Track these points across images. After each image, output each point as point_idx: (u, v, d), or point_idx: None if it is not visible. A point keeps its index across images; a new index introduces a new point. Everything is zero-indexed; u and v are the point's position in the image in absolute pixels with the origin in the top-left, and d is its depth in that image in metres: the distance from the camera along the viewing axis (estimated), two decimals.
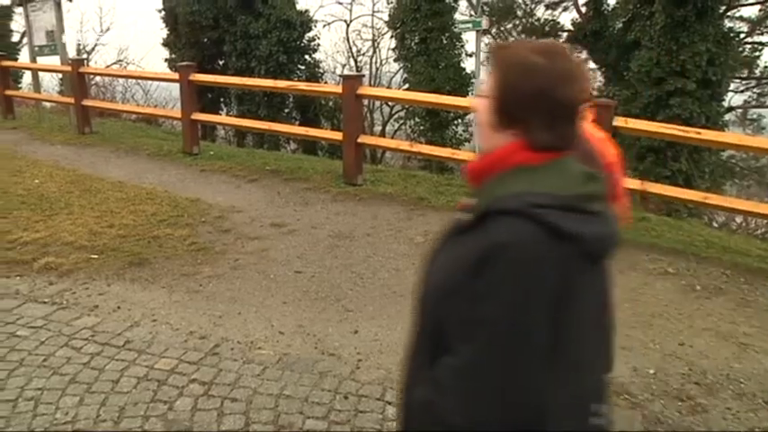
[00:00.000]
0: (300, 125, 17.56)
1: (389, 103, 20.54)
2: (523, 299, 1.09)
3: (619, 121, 5.48)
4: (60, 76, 17.82)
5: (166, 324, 3.94)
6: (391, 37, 19.13)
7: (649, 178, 8.78)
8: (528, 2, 21.25)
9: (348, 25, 23.16)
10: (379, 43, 22.62)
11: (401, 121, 19.78)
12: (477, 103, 1.28)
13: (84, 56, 29.53)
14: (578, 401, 1.19)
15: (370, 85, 21.01)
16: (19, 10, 23.25)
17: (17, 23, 36.85)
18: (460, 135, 17.16)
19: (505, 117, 1.22)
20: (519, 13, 21.65)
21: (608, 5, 17.56)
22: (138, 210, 6.10)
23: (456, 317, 1.16)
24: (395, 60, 19.56)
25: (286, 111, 19.35)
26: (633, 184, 5.43)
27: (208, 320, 3.99)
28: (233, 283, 4.55)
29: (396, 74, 21.17)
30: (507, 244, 1.11)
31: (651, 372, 3.47)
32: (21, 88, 18.96)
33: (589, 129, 1.74)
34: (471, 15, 17.37)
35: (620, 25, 16.35)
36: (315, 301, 4.28)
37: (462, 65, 17.19)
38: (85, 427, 2.98)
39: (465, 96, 14.20)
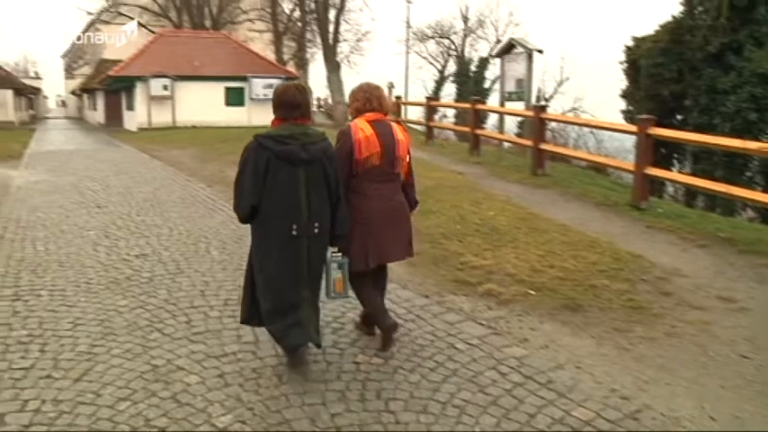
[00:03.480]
0: (764, 191, 15.73)
1: None
2: (244, 161, 3.62)
3: None
4: (520, 119, 19.52)
5: (590, 374, 3.94)
6: None
7: None
8: None
9: None
10: None
11: None
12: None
13: (543, 102, 31.81)
14: (276, 213, 3.59)
15: None
16: (495, 61, 26.12)
17: (490, 72, 42.09)
18: None
19: (274, 109, 3.75)
20: None
21: None
22: (579, 255, 6.27)
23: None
24: None
25: (747, 174, 17.58)
26: None
27: (633, 382, 3.86)
28: (666, 350, 4.31)
29: None
30: (247, 146, 3.64)
31: None
32: (485, 128, 21.34)
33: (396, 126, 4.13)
34: None
35: None
36: (760, 395, 3.76)
37: None
38: None
39: None
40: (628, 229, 7.62)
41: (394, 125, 4.16)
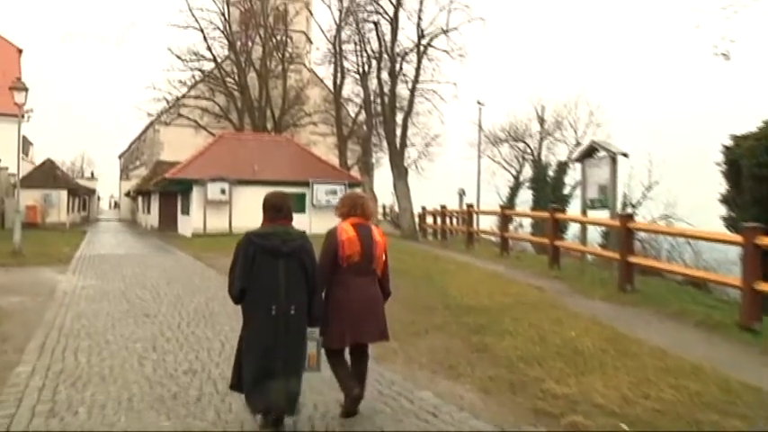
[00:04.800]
0: None
1: None
2: (237, 252, 4.85)
3: None
4: (604, 229, 19.25)
5: None
6: None
7: None
8: None
9: None
10: None
11: None
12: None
13: (630, 209, 31.36)
14: (259, 296, 4.73)
15: None
16: (575, 165, 26.04)
17: (570, 177, 42.13)
18: None
19: (263, 212, 4.98)
20: None
21: None
22: (679, 385, 5.94)
23: None
24: None
25: None
26: None
27: None
28: None
29: None
30: (240, 241, 4.88)
31: None
32: (565, 239, 21.14)
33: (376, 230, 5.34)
34: None
35: None
36: None
37: None
38: None
39: None
40: (738, 354, 7.25)
41: (374, 228, 5.34)
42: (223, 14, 42.90)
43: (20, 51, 37.47)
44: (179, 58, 42.67)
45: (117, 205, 72.18)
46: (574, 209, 30.30)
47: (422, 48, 33.36)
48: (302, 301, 4.82)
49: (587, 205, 14.40)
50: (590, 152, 14.65)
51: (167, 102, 43.16)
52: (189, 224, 30.15)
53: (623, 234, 11.22)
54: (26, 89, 19.62)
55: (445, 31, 32.98)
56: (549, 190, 42.07)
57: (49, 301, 10.61)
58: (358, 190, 29.78)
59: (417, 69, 33.45)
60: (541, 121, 46.94)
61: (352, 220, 5.28)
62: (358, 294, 5.15)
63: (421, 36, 33.20)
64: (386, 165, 36.55)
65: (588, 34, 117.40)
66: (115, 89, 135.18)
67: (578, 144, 43.08)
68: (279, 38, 44.21)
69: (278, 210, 4.94)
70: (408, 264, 14.85)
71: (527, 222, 35.26)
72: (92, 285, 12.58)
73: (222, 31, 43.12)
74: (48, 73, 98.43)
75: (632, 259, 11.15)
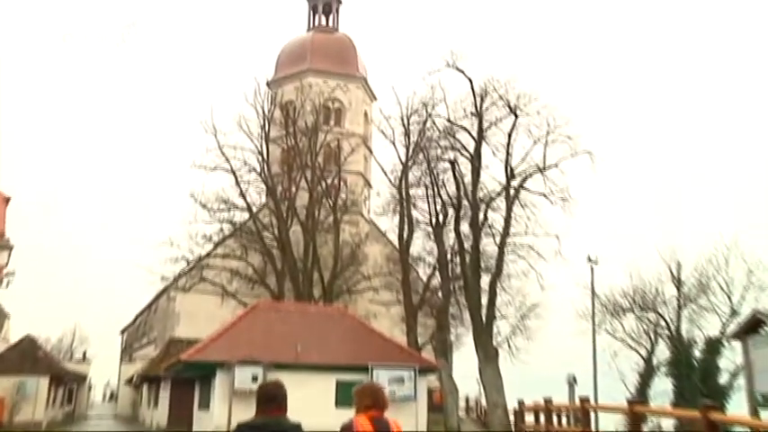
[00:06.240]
0: None
1: None
2: None
3: None
4: None
5: None
6: None
7: None
8: None
9: None
10: None
11: None
12: None
13: None
14: None
15: None
16: (734, 343, 24.79)
17: (726, 359, 40.36)
18: None
19: (256, 403, 6.27)
20: None
21: None
22: None
23: None
24: None
25: None
26: None
27: None
28: None
29: None
30: None
31: None
32: None
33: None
34: None
35: None
36: None
37: None
38: None
39: None
40: None
41: (391, 421, 6.43)
42: (261, 153, 44.48)
43: (7, 200, 39.00)
44: (204, 206, 44.02)
45: (113, 397, 72.50)
46: (737, 405, 28.83)
47: (512, 191, 33.62)
48: None
49: (758, 402, 13.55)
50: (754, 326, 14.06)
51: (187, 262, 44.05)
52: (209, 422, 29.65)
53: None
54: (10, 248, 20.07)
55: (542, 170, 33.47)
56: (696, 378, 40.31)
57: None
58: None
59: (507, 219, 33.58)
60: (678, 283, 45.82)
61: (370, 414, 6.37)
62: None
63: (511, 176, 33.64)
64: (469, 344, 36.05)
65: (734, 165, 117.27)
66: (121, 246, 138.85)
67: (735, 314, 41.64)
68: (330, 181, 45.53)
69: (270, 399, 5.97)
70: None
71: (668, 424, 33.71)
72: None
73: (259, 174, 44.72)
74: (37, 223, 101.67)
75: None
